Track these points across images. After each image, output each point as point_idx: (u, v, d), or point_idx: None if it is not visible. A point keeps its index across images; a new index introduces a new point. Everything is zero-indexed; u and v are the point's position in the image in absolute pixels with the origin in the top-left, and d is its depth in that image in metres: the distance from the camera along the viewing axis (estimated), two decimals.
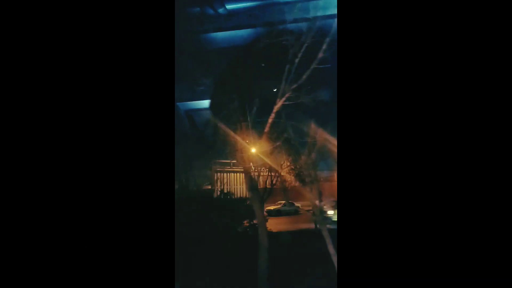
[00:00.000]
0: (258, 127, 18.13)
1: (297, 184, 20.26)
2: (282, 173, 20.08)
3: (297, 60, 7.44)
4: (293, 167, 19.80)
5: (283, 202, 26.96)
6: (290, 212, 26.28)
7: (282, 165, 19.53)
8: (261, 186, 28.26)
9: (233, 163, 22.56)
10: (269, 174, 19.81)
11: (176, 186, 17.16)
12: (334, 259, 8.47)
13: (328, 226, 13.46)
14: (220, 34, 17.31)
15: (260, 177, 22.00)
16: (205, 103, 19.57)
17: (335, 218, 21.47)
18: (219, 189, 21.20)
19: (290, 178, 19.90)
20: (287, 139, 18.88)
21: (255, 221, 18.05)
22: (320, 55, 7.35)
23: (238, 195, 28.17)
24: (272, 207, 26.83)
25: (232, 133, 20.98)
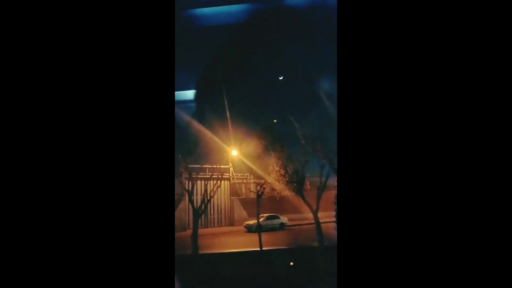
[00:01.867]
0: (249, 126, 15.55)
1: (288, 193, 17.32)
2: (269, 180, 17.25)
3: None
4: (283, 173, 16.89)
5: (266, 215, 23.47)
6: (274, 227, 22.82)
7: (271, 171, 16.49)
8: (243, 196, 25.18)
9: (208, 168, 19.25)
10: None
11: None
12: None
13: None
14: (209, 10, 14.38)
15: (243, 186, 19.04)
16: (190, 94, 16.59)
17: None
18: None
19: (279, 186, 16.93)
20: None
21: None
22: None
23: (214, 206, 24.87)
24: (252, 222, 23.36)
25: (208, 133, 18.22)
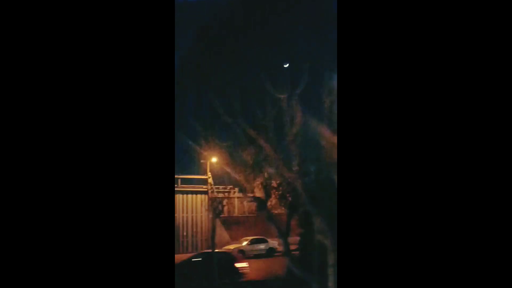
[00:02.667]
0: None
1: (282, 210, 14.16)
2: (258, 194, 13.95)
3: None
4: (275, 185, 13.76)
5: (250, 238, 19.92)
6: (260, 253, 19.24)
7: (261, 182, 13.29)
8: (225, 214, 21.62)
9: (180, 179, 15.82)
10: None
11: None
12: None
13: None
14: None
15: (225, 201, 15.64)
16: None
17: None
18: None
19: (272, 202, 13.63)
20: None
21: None
22: None
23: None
24: (233, 246, 19.83)
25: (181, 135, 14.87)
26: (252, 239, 19.80)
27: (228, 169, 13.10)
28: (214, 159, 16.22)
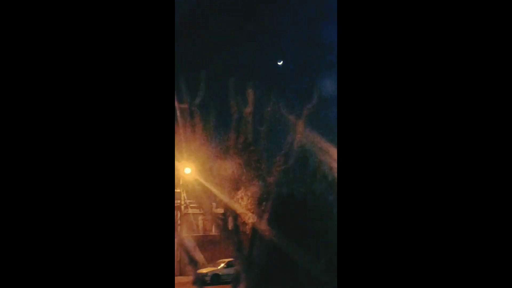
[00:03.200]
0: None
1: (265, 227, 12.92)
2: (238, 210, 12.62)
3: None
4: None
5: (226, 260, 18.36)
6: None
7: (240, 197, 12.40)
8: (200, 233, 19.93)
9: None
10: None
11: None
12: None
13: None
14: None
15: (200, 218, 14.07)
16: None
17: None
18: None
19: (253, 219, 12.39)
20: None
21: None
22: None
23: None
24: (205, 270, 18.18)
25: None
26: (228, 261, 18.18)
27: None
28: (188, 170, 14.71)
